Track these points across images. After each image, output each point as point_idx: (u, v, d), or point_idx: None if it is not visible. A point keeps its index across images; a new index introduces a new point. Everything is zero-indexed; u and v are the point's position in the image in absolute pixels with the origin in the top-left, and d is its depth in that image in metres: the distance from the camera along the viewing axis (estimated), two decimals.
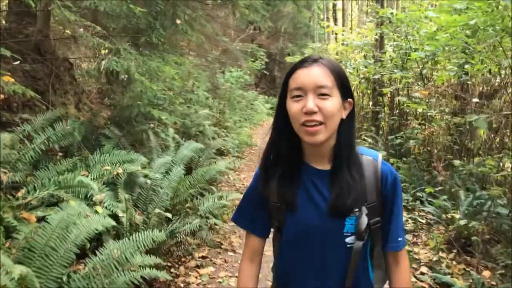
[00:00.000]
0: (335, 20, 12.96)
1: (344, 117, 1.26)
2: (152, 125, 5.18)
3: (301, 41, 23.38)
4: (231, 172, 6.77)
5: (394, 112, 7.91)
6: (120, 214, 3.53)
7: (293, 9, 23.40)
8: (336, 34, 11.15)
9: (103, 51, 5.37)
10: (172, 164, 4.74)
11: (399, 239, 1.31)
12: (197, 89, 11.71)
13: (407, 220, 5.29)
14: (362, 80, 8.41)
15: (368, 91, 10.60)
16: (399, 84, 6.71)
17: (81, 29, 4.37)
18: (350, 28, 11.31)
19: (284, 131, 1.30)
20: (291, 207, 1.29)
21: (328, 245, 1.27)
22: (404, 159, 7.05)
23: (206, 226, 4.47)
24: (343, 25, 12.60)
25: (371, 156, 1.31)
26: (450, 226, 4.43)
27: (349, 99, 1.28)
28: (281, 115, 1.30)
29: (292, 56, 18.70)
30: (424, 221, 5.32)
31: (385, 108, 7.98)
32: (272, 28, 20.31)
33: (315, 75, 1.20)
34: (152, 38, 4.98)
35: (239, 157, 9.69)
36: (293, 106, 1.22)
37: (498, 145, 4.82)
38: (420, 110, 5.86)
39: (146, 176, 4.08)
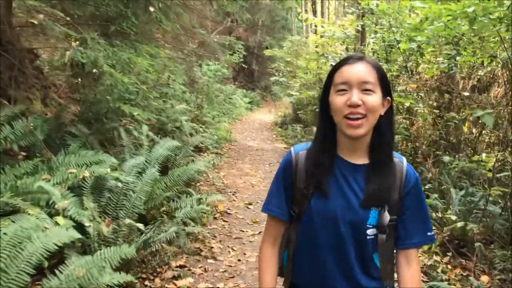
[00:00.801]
0: (314, 12, 12.63)
1: (383, 113, 1.31)
2: (124, 122, 4.73)
3: (279, 34, 23.07)
4: (210, 170, 6.37)
5: None
6: (86, 224, 3.11)
7: (271, 2, 23.12)
8: (315, 26, 10.82)
9: (73, 42, 4.89)
10: (146, 164, 4.31)
11: (413, 240, 1.37)
12: (173, 82, 11.24)
13: None
14: None
15: None
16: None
17: (41, 16, 3.88)
18: (329, 20, 10.96)
19: (328, 121, 1.35)
20: (323, 194, 1.33)
21: (351, 235, 1.33)
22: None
23: (184, 232, 4.07)
24: (322, 17, 12.27)
25: (397, 158, 1.38)
26: (445, 228, 4.16)
27: (388, 97, 1.32)
28: (324, 109, 1.36)
29: (271, 49, 18.39)
30: None
31: None
32: (250, 20, 19.90)
33: (360, 71, 1.26)
34: (123, 27, 4.53)
35: (218, 154, 9.30)
36: (338, 99, 1.27)
37: (502, 141, 4.56)
38: (407, 104, 5.58)
39: (116, 179, 3.65)
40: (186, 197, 4.70)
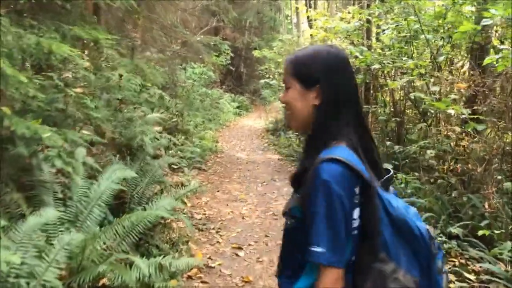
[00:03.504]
0: (310, 7, 11.08)
1: (317, 103, 1.22)
2: (42, 147, 3.02)
3: (267, 35, 21.46)
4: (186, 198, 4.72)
5: (398, 111, 6.06)
6: None
7: (257, 2, 21.52)
8: (312, 20, 9.20)
9: None
10: (69, 217, 2.62)
11: (312, 248, 1.09)
12: (149, 88, 9.54)
13: (450, 275, 3.40)
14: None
15: None
16: (412, 75, 4.83)
17: None
18: (327, 13, 9.34)
19: None
20: None
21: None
22: (416, 173, 5.20)
23: None
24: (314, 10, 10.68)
25: (324, 154, 1.14)
26: None
27: (317, 85, 1.21)
28: None
29: (260, 50, 16.75)
30: (473, 277, 3.44)
31: (385, 107, 6.10)
32: (237, 20, 18.27)
33: (283, 71, 1.30)
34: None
35: (201, 170, 7.62)
36: None
37: None
38: (450, 111, 3.96)
39: None
40: (143, 256, 3.00)
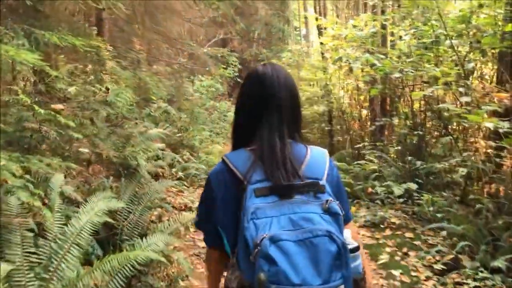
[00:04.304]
0: (320, 14, 10.62)
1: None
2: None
3: (276, 46, 21.06)
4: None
5: (418, 124, 5.51)
6: None
7: (266, 14, 21.14)
8: (323, 28, 8.73)
9: None
10: (43, 261, 2.11)
11: None
12: (155, 102, 9.11)
13: None
14: (363, 79, 5.98)
15: (360, 97, 8.21)
16: (437, 84, 4.29)
17: None
18: (338, 20, 8.85)
19: None
20: None
21: None
22: (445, 193, 4.63)
23: None
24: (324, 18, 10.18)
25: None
26: None
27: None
28: None
29: (268, 62, 16.32)
30: None
31: (407, 120, 5.54)
32: (245, 31, 17.89)
33: None
34: None
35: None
36: None
37: None
38: (488, 124, 3.40)
39: None
40: None
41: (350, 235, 1.25)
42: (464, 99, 3.99)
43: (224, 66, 16.01)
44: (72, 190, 2.73)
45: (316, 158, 1.29)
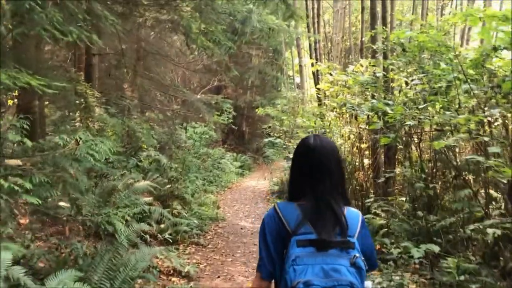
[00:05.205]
0: (316, 58, 10.35)
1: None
2: None
3: (270, 93, 20.92)
4: None
5: (429, 174, 4.97)
6: None
7: (259, 62, 21.14)
8: (321, 74, 8.37)
9: None
10: None
11: None
12: (145, 150, 8.54)
13: None
14: (372, 127, 5.49)
15: (362, 145, 7.71)
16: (458, 131, 3.80)
17: None
18: (334, 64, 8.48)
19: None
20: None
21: None
22: (473, 257, 4.01)
23: None
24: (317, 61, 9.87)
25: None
26: None
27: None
28: None
29: (263, 108, 16.00)
30: None
31: (420, 171, 5.00)
32: (239, 79, 17.70)
33: None
34: None
35: (199, 246, 6.38)
36: None
37: None
38: None
39: None
40: None
41: (370, 285, 1.54)
42: (493, 149, 3.47)
43: (218, 113, 15.65)
44: (22, 273, 2.08)
45: (351, 218, 1.52)
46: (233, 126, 17.47)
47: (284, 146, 12.72)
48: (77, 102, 7.66)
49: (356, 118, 6.31)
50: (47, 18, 2.06)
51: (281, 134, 13.19)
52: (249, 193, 12.81)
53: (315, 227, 1.43)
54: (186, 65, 13.23)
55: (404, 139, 5.06)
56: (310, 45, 11.19)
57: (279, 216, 1.51)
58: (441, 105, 4.54)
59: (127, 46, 9.91)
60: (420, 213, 5.26)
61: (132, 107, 9.93)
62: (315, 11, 12.01)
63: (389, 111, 4.34)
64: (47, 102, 7.60)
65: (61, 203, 4.46)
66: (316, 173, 1.53)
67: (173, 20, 5.32)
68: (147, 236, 5.07)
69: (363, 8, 9.42)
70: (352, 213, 1.54)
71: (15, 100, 6.84)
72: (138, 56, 9.71)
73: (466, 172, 4.50)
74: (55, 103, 7.43)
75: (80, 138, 3.42)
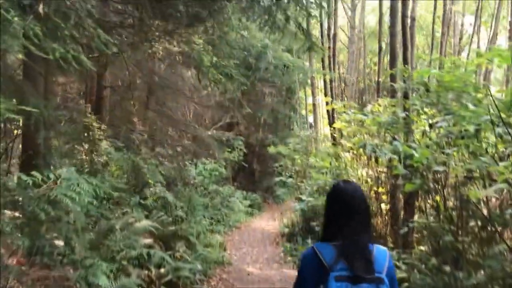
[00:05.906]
0: (331, 97, 10.07)
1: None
2: None
3: (282, 132, 20.59)
4: None
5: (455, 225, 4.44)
6: None
7: (272, 100, 21.01)
8: (336, 113, 8.02)
9: None
10: None
11: None
12: (152, 186, 8.14)
13: None
14: (397, 171, 5.02)
15: (379, 189, 7.19)
16: (498, 181, 3.34)
17: None
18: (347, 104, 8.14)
19: None
20: None
21: None
22: None
23: None
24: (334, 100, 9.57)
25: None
26: None
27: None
28: None
29: (275, 147, 15.65)
30: None
31: (451, 223, 4.48)
32: (251, 116, 17.47)
33: None
34: None
35: None
36: None
37: None
38: None
39: None
40: None
41: None
42: None
43: (229, 150, 15.31)
44: None
45: (380, 255, 1.72)
46: (244, 164, 17.08)
47: (296, 186, 12.23)
48: (85, 134, 7.37)
49: (376, 160, 5.87)
50: (24, 32, 1.76)
51: (292, 173, 12.70)
52: (258, 235, 12.20)
53: (350, 264, 1.62)
54: (199, 100, 13.06)
55: (430, 185, 4.57)
56: (325, 82, 10.93)
57: (316, 254, 1.68)
58: (471, 150, 4.08)
59: (139, 79, 9.76)
60: (447, 268, 4.70)
61: (141, 142, 9.63)
62: (331, 50, 11.85)
63: (416, 155, 3.91)
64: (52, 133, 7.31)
65: (56, 241, 4.05)
66: (347, 214, 1.72)
67: (184, 52, 5.07)
68: (144, 284, 4.57)
69: (380, 48, 9.19)
70: (381, 251, 1.73)
71: (19, 130, 6.57)
72: (149, 89, 9.54)
73: (496, 224, 3.99)
74: (63, 135, 7.15)
75: (57, 179, 3.01)
